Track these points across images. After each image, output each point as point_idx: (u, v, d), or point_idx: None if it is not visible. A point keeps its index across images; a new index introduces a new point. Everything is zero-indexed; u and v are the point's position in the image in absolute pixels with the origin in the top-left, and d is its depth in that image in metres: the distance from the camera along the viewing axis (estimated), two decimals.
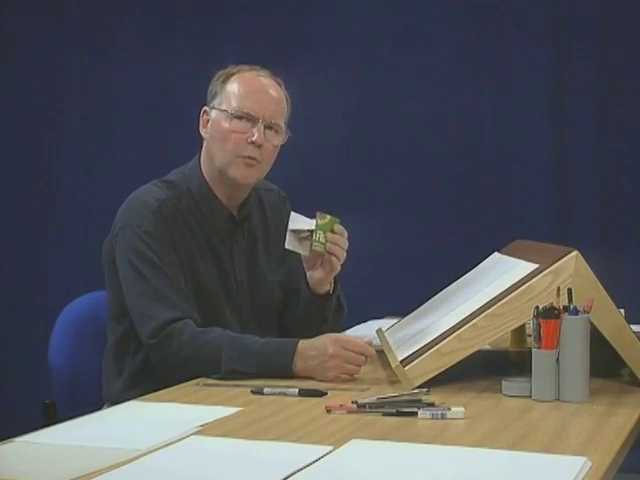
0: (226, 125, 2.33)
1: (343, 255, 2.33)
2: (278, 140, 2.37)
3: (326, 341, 2.16)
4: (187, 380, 2.15)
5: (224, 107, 2.34)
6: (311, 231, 2.27)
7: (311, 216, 2.28)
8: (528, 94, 3.84)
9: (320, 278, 2.37)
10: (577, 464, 1.48)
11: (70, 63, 4.25)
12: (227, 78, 2.37)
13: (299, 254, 2.34)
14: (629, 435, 1.72)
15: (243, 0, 4.10)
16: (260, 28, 4.06)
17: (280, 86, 2.40)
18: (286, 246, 2.29)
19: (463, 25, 3.90)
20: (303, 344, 2.17)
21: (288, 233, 2.28)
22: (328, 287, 2.39)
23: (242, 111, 2.32)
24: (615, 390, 2.05)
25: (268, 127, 2.34)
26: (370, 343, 2.21)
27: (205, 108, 2.40)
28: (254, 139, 2.31)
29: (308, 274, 2.38)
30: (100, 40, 4.23)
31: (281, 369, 2.16)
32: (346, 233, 2.32)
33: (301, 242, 2.29)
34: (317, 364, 2.14)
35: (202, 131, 2.40)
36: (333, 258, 2.32)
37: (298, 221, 2.29)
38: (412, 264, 3.83)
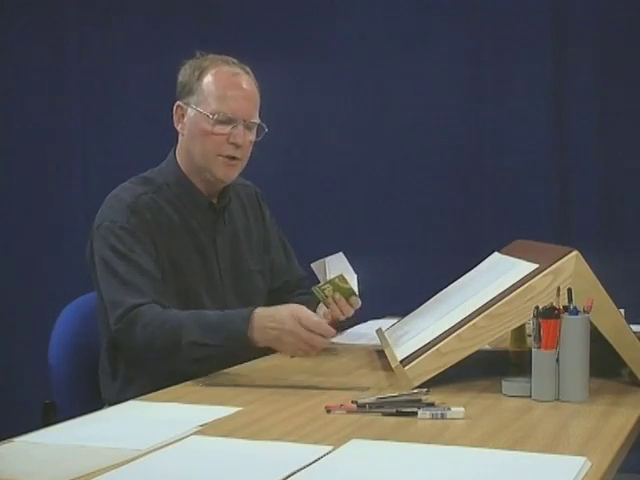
0: (205, 127, 2.36)
1: (342, 317, 2.28)
2: (254, 135, 2.41)
3: (284, 314, 2.11)
4: (155, 363, 2.15)
5: (202, 108, 2.37)
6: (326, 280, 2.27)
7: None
8: (528, 95, 3.84)
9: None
10: (577, 464, 1.48)
11: (70, 62, 4.25)
12: (201, 73, 2.39)
13: (282, 247, 2.63)
14: (629, 435, 1.72)
15: None
16: (260, 27, 4.06)
17: (250, 75, 2.42)
18: (312, 265, 2.36)
19: (463, 26, 3.90)
20: (259, 314, 2.13)
21: (323, 261, 2.34)
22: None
23: (222, 114, 2.35)
24: (615, 390, 2.04)
25: (246, 126, 2.37)
26: (327, 319, 2.18)
27: (179, 103, 2.42)
28: (236, 141, 2.35)
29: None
30: (100, 38, 4.23)
31: (239, 338, 2.12)
32: (359, 305, 2.28)
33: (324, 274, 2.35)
34: (274, 336, 2.11)
35: (177, 126, 2.43)
36: (330, 315, 2.27)
37: (336, 261, 2.34)
38: (412, 264, 3.83)
